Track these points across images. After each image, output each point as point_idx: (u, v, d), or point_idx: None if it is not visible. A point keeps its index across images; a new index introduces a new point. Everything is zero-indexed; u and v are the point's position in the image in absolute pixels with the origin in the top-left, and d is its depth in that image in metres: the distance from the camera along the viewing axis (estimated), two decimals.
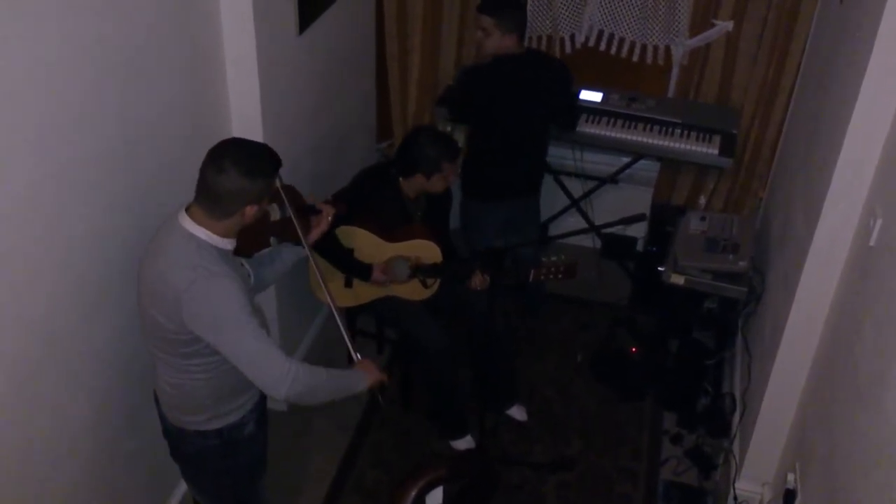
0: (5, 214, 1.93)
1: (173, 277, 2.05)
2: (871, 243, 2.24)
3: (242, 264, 2.30)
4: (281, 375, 2.08)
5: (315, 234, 2.56)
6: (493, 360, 3.46)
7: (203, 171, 2.06)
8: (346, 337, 2.43)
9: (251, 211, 2.11)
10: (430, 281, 3.19)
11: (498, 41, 3.36)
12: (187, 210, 2.11)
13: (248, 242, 2.33)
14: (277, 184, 2.35)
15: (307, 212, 2.55)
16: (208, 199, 2.07)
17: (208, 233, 2.10)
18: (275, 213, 2.41)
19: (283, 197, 2.39)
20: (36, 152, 1.99)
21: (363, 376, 2.35)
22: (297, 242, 2.48)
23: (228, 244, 2.15)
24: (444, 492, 2.53)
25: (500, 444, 3.50)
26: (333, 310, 2.46)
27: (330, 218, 2.59)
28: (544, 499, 3.28)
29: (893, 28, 2.19)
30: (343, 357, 2.44)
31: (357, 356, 2.44)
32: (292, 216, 2.41)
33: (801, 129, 3.45)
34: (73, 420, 2.35)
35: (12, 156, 1.91)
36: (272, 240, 2.48)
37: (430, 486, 2.50)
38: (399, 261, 3.12)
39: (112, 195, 2.31)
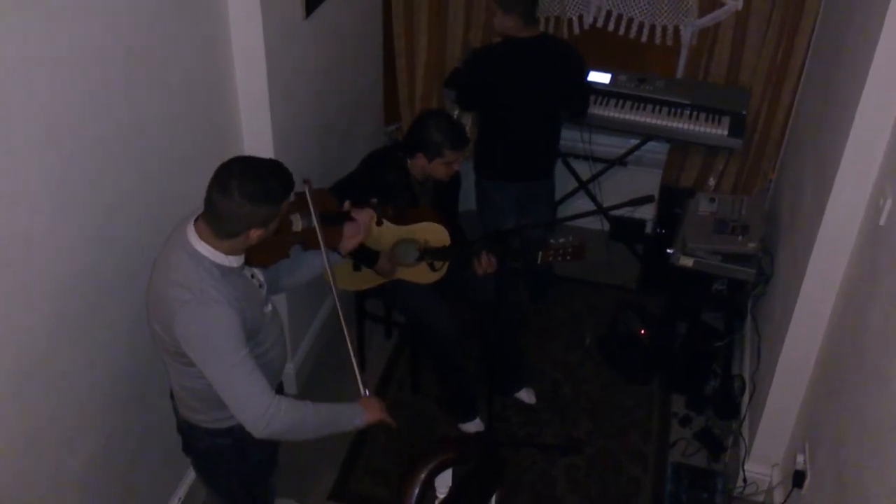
0: (15, 204, 1.93)
1: (170, 294, 2.03)
2: (881, 223, 2.23)
3: (253, 275, 2.23)
4: (257, 416, 2.05)
5: (352, 243, 2.48)
6: (501, 342, 3.47)
7: (209, 188, 2.00)
8: (356, 371, 2.34)
9: (256, 234, 2.05)
10: (438, 264, 3.18)
11: (499, 20, 3.35)
12: (196, 222, 2.08)
13: (266, 253, 2.25)
14: (305, 190, 2.30)
15: (337, 219, 2.46)
16: (212, 218, 2.02)
17: (212, 250, 2.06)
18: (297, 223, 2.32)
19: (310, 205, 2.31)
20: (45, 141, 1.99)
21: (359, 414, 2.26)
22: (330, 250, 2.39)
23: (234, 261, 2.11)
24: (454, 474, 2.54)
25: (509, 426, 3.51)
26: (349, 344, 2.35)
27: (369, 224, 2.50)
28: (554, 481, 3.29)
29: None
30: (348, 352, 2.36)
31: (365, 392, 2.34)
32: (316, 226, 2.31)
33: (810, 109, 3.42)
34: (85, 403, 2.36)
35: (21, 147, 1.91)
36: (296, 248, 2.39)
37: (439, 469, 2.51)
38: (407, 244, 3.12)
39: (121, 183, 2.31)
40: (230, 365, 2.03)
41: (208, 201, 2.02)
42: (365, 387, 2.35)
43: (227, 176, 1.98)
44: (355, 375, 2.34)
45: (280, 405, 2.08)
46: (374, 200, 2.60)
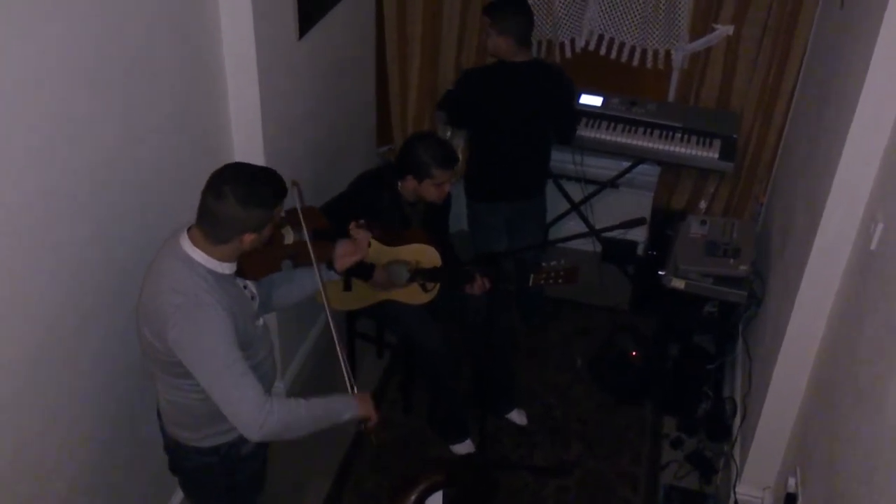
0: (5, 218, 1.92)
1: (163, 299, 2.03)
2: (872, 247, 2.24)
3: (245, 286, 2.24)
4: (252, 418, 2.05)
5: (348, 261, 2.50)
6: (493, 364, 3.46)
7: (203, 194, 2.03)
8: (344, 368, 2.34)
9: (249, 238, 2.07)
10: (429, 285, 3.18)
11: (493, 42, 3.37)
12: (189, 230, 2.09)
13: (257, 265, 2.26)
14: (298, 206, 2.32)
15: (327, 236, 2.47)
16: (207, 223, 2.05)
17: (206, 256, 2.07)
18: (288, 237, 2.34)
19: (301, 220, 2.33)
20: (37, 157, 1.99)
21: (351, 406, 2.26)
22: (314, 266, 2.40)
23: (227, 268, 2.12)
24: (444, 496, 2.53)
25: (501, 448, 3.49)
26: (337, 347, 2.35)
27: (366, 244, 2.52)
28: (544, 503, 3.27)
29: (895, 33, 2.19)
30: (340, 368, 2.36)
31: (354, 391, 2.34)
32: (307, 241, 2.33)
33: (801, 133, 3.45)
34: (71, 425, 2.34)
35: (13, 160, 1.91)
36: (287, 262, 2.41)
37: (430, 491, 2.50)
38: (398, 265, 3.12)
39: (112, 200, 2.31)
40: (223, 367, 2.03)
41: (202, 207, 2.04)
42: (353, 387, 2.33)
43: (220, 181, 2.02)
44: (344, 374, 2.33)
45: (273, 406, 2.07)
46: (362, 221, 2.61)
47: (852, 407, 2.23)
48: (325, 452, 3.41)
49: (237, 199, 1.99)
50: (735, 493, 3.08)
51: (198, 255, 2.07)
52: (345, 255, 2.50)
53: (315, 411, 2.18)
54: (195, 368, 2.05)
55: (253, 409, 2.05)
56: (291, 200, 2.31)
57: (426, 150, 3.02)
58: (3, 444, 2.10)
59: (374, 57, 4.07)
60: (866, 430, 2.09)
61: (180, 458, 2.35)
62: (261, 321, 2.30)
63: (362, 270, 3.09)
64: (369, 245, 2.57)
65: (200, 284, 2.04)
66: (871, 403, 2.07)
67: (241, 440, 2.29)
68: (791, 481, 2.66)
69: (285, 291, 2.48)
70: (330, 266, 2.52)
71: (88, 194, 2.21)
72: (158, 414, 2.35)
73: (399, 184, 3.12)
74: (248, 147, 2.91)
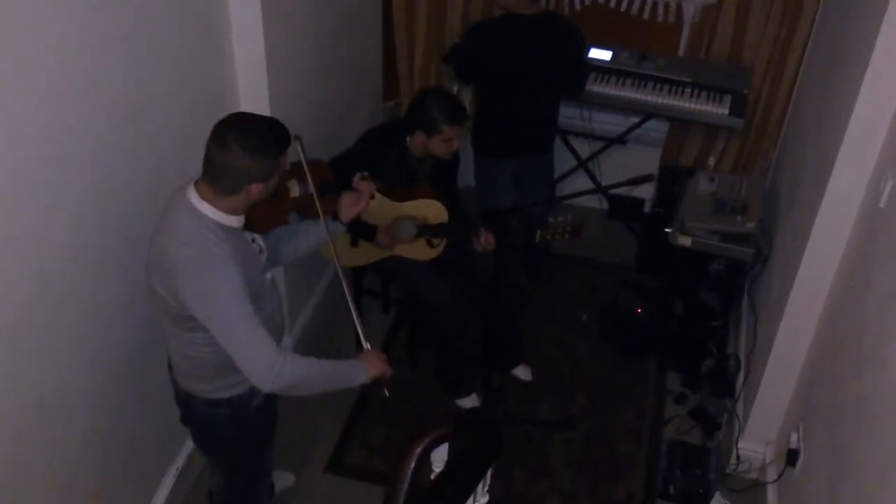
0: (16, 181, 1.92)
1: (173, 253, 2.03)
2: (881, 204, 2.23)
3: (253, 240, 2.24)
4: (265, 369, 2.06)
5: (352, 212, 2.51)
6: (499, 319, 3.47)
7: (208, 145, 2.01)
8: (357, 323, 2.36)
9: (256, 189, 2.05)
10: (436, 241, 3.18)
11: None
12: (196, 184, 2.08)
13: (264, 218, 2.26)
14: (302, 158, 2.31)
15: (333, 189, 2.47)
16: (212, 175, 2.03)
17: (213, 209, 2.06)
18: (294, 189, 2.34)
19: (307, 172, 2.32)
20: (42, 114, 1.97)
21: (363, 370, 2.28)
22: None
23: (235, 221, 2.12)
24: (450, 449, 2.56)
25: (506, 403, 3.52)
26: (348, 297, 2.37)
27: (369, 195, 2.53)
28: (549, 456, 3.31)
29: None
30: (348, 322, 2.39)
31: (367, 345, 2.36)
32: (314, 193, 2.33)
33: (812, 88, 3.41)
34: (85, 375, 2.37)
35: (19, 118, 1.89)
36: (293, 215, 2.41)
37: (436, 444, 2.53)
38: (405, 220, 3.12)
39: (117, 155, 2.30)
40: (236, 318, 2.04)
41: (207, 159, 2.03)
42: (366, 340, 2.35)
43: (224, 131, 2.00)
44: (356, 328, 2.35)
45: (287, 359, 2.09)
46: (365, 174, 2.60)
47: (856, 364, 2.24)
48: (334, 405, 3.44)
49: (242, 148, 1.98)
50: (737, 447, 3.11)
51: (205, 209, 2.06)
52: (350, 205, 2.51)
53: (327, 373, 2.21)
54: (208, 321, 2.06)
55: (266, 360, 2.06)
56: (295, 155, 2.30)
57: (435, 106, 2.99)
58: (22, 396, 2.12)
59: (380, 9, 4.01)
60: (870, 387, 2.11)
61: (192, 410, 2.38)
62: (269, 275, 2.31)
63: (365, 231, 3.09)
64: (373, 196, 2.57)
65: (209, 237, 2.04)
66: (876, 360, 2.08)
67: (253, 392, 2.31)
68: (793, 437, 2.69)
69: (292, 245, 2.49)
70: (336, 218, 2.52)
71: (94, 150, 2.19)
72: (170, 366, 2.37)
73: (407, 139, 3.10)
74: (253, 103, 2.88)
